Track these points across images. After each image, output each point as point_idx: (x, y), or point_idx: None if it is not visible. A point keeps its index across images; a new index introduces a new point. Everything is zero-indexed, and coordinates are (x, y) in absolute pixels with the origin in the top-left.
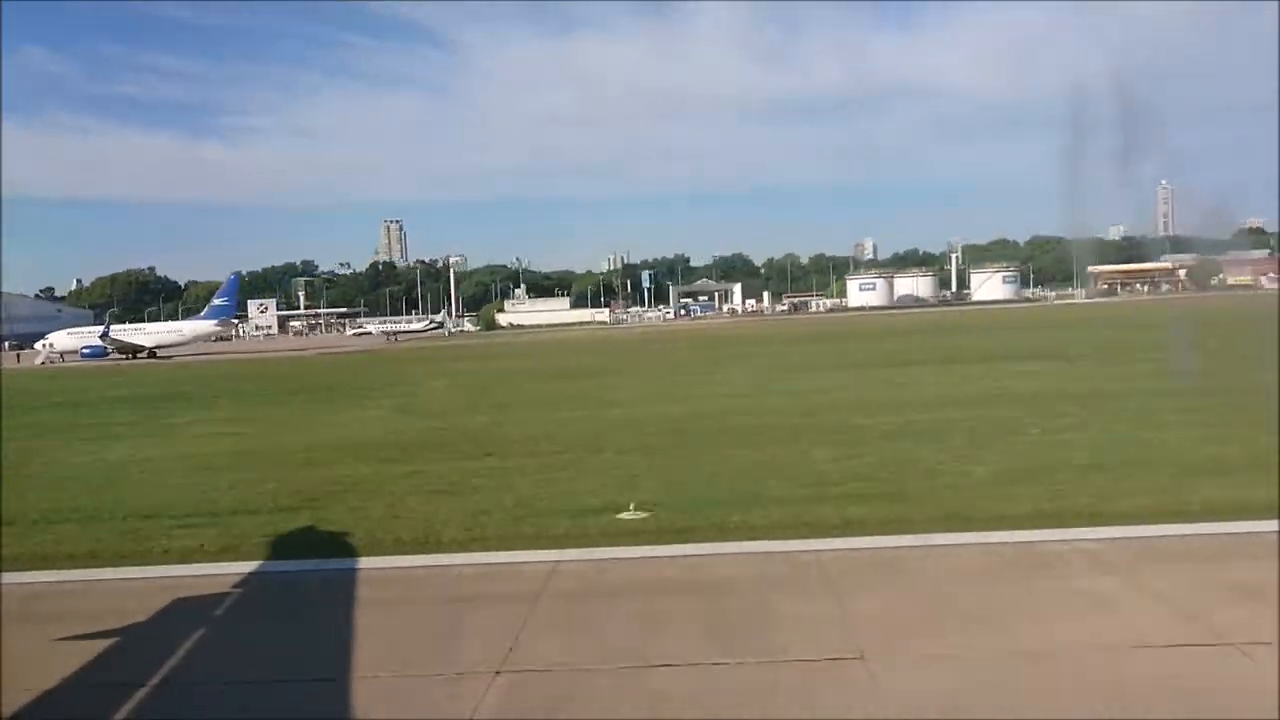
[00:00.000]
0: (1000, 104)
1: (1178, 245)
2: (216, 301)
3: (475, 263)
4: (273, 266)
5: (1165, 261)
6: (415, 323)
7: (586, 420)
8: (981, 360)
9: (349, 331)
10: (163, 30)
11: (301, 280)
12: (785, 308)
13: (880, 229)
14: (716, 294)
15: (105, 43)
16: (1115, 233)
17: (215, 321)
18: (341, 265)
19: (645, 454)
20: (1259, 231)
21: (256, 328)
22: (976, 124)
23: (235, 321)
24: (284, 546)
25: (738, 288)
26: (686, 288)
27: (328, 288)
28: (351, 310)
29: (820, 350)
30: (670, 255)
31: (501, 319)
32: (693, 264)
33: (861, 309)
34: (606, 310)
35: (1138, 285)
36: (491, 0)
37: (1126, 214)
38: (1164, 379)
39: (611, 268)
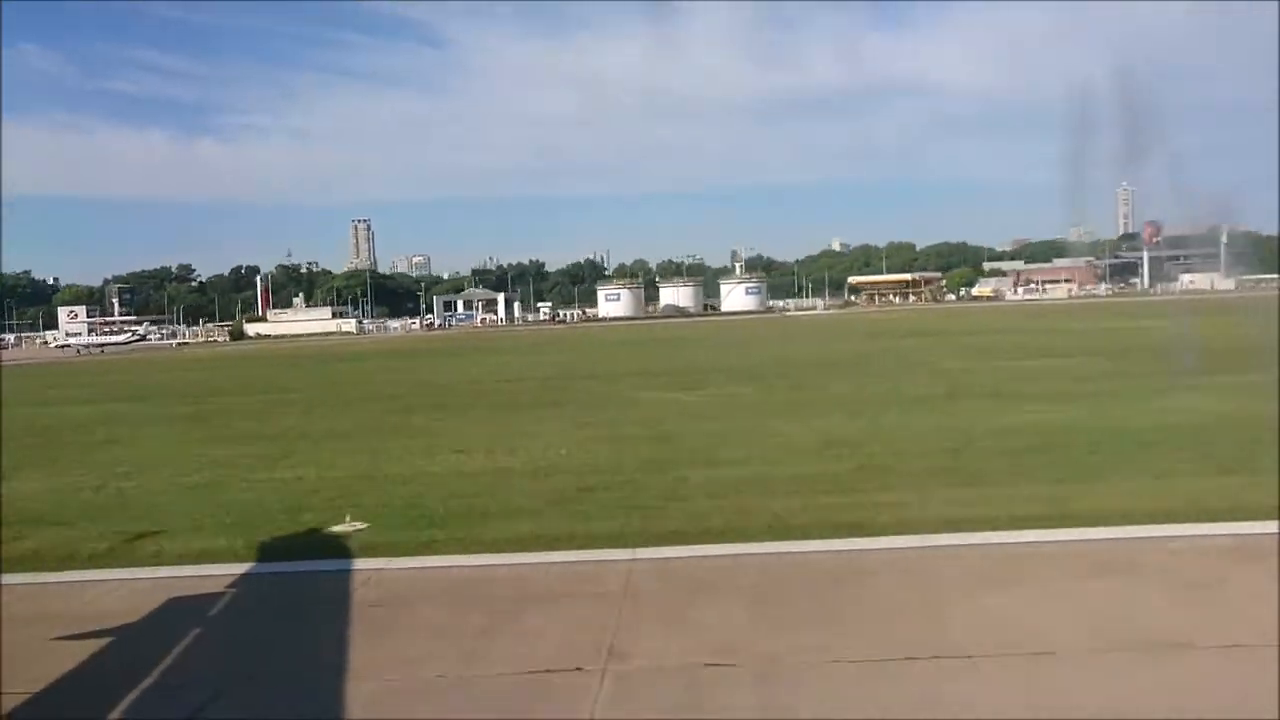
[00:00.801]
0: (999, 103)
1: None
2: None
3: (439, 264)
4: (144, 270)
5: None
6: (118, 334)
7: None
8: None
9: (54, 343)
10: (156, 28)
11: (116, 287)
12: (546, 317)
13: (879, 228)
14: (480, 302)
15: (98, 40)
16: (1075, 234)
17: None
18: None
19: None
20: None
21: (67, 335)
22: (976, 122)
23: None
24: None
25: (500, 297)
26: (449, 296)
27: (192, 291)
28: (158, 318)
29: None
30: (628, 259)
31: (253, 329)
32: (547, 268)
33: (604, 319)
34: (353, 321)
35: (891, 296)
36: (490, 0)
37: (1102, 215)
38: None
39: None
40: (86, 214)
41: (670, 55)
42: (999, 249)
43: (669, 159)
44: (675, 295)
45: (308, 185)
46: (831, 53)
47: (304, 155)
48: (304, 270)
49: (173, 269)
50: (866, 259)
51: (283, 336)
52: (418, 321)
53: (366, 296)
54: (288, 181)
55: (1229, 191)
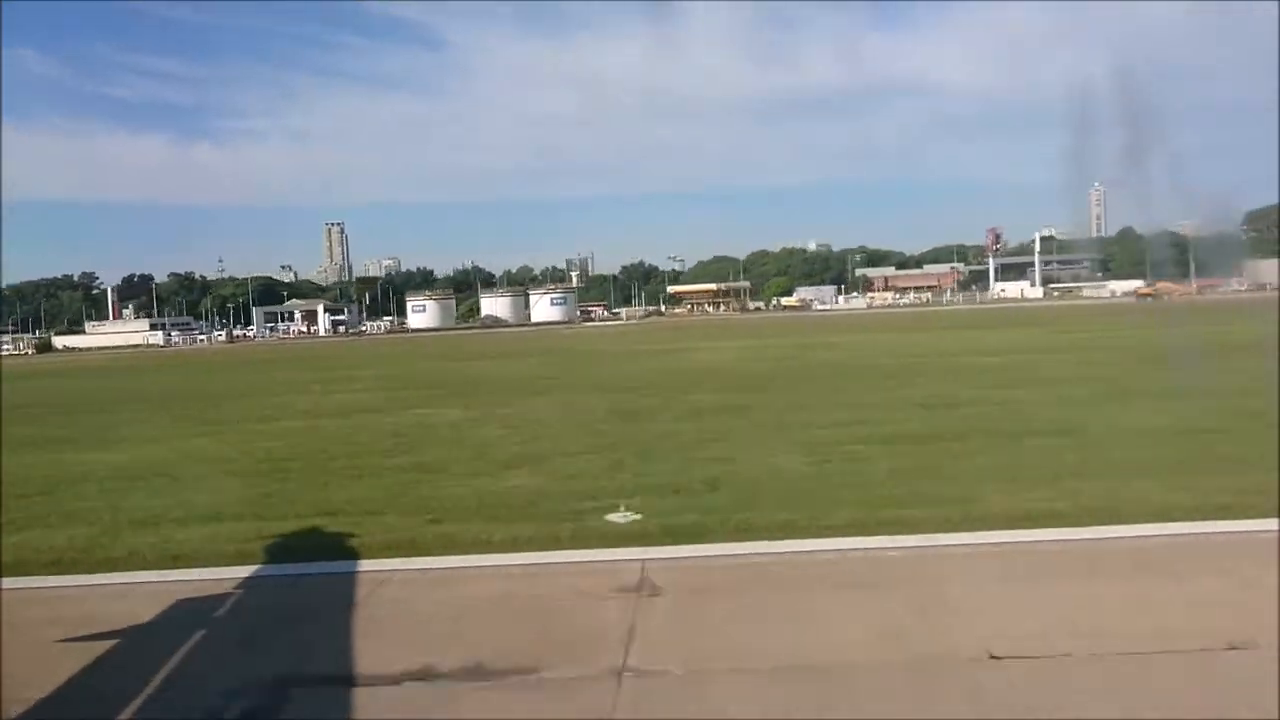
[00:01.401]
0: (999, 103)
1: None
2: None
3: (410, 265)
4: (45, 278)
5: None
6: None
7: None
8: None
9: None
10: (154, 31)
11: None
12: (364, 329)
13: (879, 228)
14: (300, 313)
15: (95, 43)
16: (1046, 234)
17: None
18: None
19: None
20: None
21: None
22: (976, 122)
23: None
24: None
25: (320, 307)
26: (273, 308)
27: (84, 300)
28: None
29: None
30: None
31: (68, 340)
32: (435, 275)
33: (410, 330)
34: (160, 332)
35: (708, 306)
36: (490, 0)
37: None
38: None
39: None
40: (85, 218)
41: (670, 55)
42: (909, 253)
43: (669, 159)
44: (494, 305)
45: (306, 187)
46: (831, 53)
47: (302, 157)
48: (199, 278)
49: (75, 277)
50: (747, 265)
51: (90, 349)
52: (224, 333)
53: (249, 306)
54: (286, 184)
55: (1229, 191)
